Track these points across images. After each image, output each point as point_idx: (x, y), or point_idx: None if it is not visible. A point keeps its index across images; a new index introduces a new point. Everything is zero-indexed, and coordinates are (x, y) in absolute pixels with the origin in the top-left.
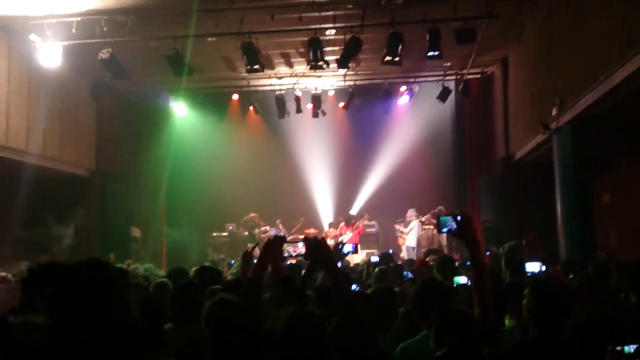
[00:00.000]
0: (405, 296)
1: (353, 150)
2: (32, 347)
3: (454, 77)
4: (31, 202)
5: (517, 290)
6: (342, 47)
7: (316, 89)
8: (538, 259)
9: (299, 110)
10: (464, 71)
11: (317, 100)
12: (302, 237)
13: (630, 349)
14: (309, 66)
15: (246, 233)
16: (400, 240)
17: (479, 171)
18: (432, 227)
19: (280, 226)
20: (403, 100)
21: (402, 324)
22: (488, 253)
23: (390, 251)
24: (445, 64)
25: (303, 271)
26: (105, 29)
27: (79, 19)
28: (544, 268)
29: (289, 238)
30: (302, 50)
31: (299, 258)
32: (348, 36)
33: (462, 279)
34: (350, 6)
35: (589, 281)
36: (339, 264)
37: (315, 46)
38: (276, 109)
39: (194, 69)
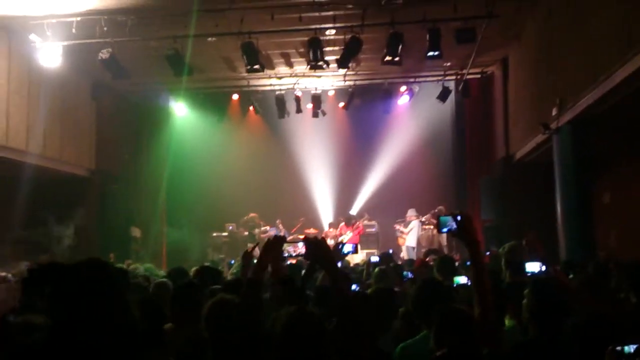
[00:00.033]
0: (405, 296)
1: (353, 150)
2: (32, 347)
3: (454, 77)
4: (31, 202)
5: (517, 290)
6: (342, 47)
7: (316, 89)
8: (538, 259)
9: (299, 110)
10: (464, 71)
11: (317, 100)
12: (302, 237)
13: (630, 349)
14: (309, 66)
15: (246, 233)
16: (400, 240)
17: (479, 171)
18: (432, 227)
19: (280, 226)
20: (403, 100)
21: (402, 324)
22: (488, 253)
23: (391, 251)
24: (445, 64)
25: (303, 271)
26: (105, 29)
27: (79, 19)
28: (544, 268)
29: (289, 238)
30: (302, 50)
31: (299, 258)
32: (348, 36)
33: (462, 279)
34: (350, 6)
35: (589, 281)
36: (339, 264)
37: (315, 46)
38: (276, 109)
39: (194, 69)
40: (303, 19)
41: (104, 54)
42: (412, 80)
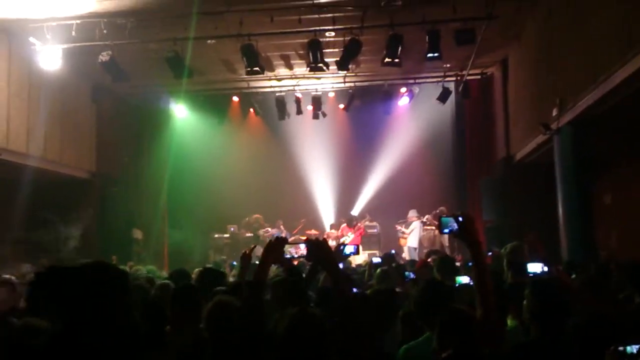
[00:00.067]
0: (407, 297)
1: (354, 151)
2: (35, 349)
3: (453, 78)
4: (31, 205)
5: (519, 291)
6: (342, 49)
7: (316, 90)
8: (538, 260)
9: (299, 112)
10: (464, 72)
11: (317, 101)
12: (304, 238)
13: (632, 349)
14: (308, 68)
15: (248, 234)
16: (402, 241)
17: (480, 172)
18: (433, 227)
19: (282, 227)
20: (403, 101)
21: (405, 325)
22: (490, 254)
23: (393, 252)
24: (445, 65)
25: (304, 274)
26: (105, 31)
27: (78, 21)
28: (546, 269)
29: (291, 239)
30: (301, 52)
31: (301, 259)
32: (348, 38)
33: (464, 279)
34: (349, 8)
35: (590, 281)
36: (341, 265)
37: (315, 48)
38: (276, 110)
39: (194, 71)
40: (302, 21)
41: (104, 57)
42: (412, 81)
